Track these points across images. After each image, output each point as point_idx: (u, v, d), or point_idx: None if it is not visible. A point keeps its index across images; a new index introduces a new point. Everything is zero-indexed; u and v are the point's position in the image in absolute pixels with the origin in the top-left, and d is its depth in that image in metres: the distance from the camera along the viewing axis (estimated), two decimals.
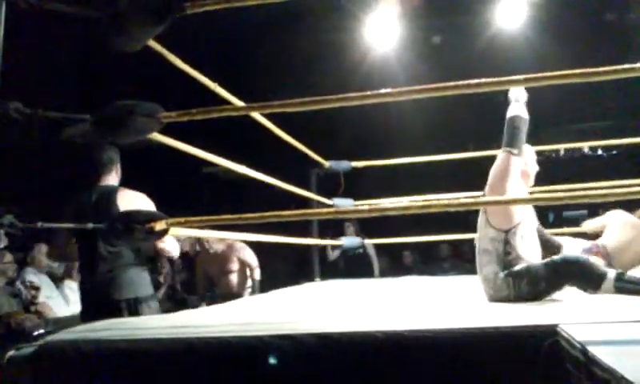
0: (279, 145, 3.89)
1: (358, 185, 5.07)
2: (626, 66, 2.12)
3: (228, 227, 2.80)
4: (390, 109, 6.21)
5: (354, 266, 6.16)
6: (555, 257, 2.59)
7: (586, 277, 2.47)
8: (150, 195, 3.20)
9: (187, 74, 2.78)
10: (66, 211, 3.15)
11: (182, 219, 2.06)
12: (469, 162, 4.48)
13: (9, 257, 4.83)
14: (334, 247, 6.13)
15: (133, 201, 3.08)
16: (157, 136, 2.40)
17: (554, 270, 2.49)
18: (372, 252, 6.48)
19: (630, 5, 5.99)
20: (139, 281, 3.13)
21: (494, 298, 2.57)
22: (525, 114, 2.76)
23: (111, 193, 3.12)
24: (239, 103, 3.04)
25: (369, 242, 5.82)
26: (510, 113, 2.78)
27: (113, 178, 3.24)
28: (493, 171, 2.74)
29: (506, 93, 2.82)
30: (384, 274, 6.94)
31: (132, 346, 1.80)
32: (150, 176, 3.43)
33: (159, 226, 2.00)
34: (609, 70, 2.15)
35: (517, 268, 2.54)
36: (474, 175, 3.25)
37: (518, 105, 2.78)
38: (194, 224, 2.20)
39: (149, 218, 2.07)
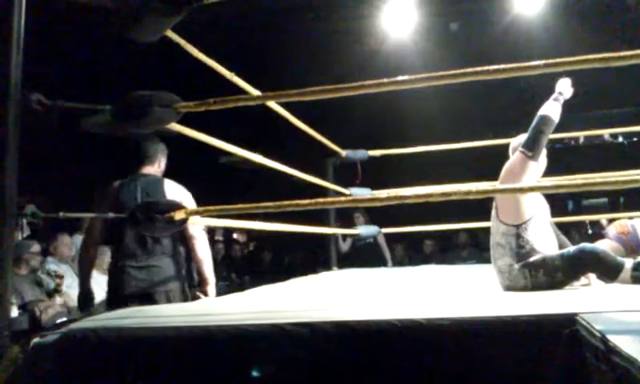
0: (296, 134, 3.90)
1: (376, 174, 5.05)
2: None
3: (245, 216, 2.81)
4: (409, 96, 6.17)
5: (364, 256, 6.09)
6: (572, 247, 2.57)
7: (602, 267, 2.46)
8: None
9: (204, 63, 2.79)
10: (101, 197, 3.15)
11: (201, 208, 2.07)
12: (487, 149, 4.44)
13: (36, 247, 4.89)
14: (344, 238, 6.08)
15: (179, 193, 3.11)
16: (174, 126, 2.42)
17: (571, 260, 2.48)
18: (382, 242, 6.40)
19: None
20: (176, 270, 3.14)
21: (510, 289, 2.56)
22: (556, 116, 2.65)
23: (158, 183, 3.14)
24: (256, 92, 3.04)
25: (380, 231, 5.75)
26: (543, 109, 2.65)
27: (155, 170, 3.25)
28: (506, 170, 2.69)
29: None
30: (402, 263, 6.93)
31: (153, 333, 1.83)
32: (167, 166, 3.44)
33: (178, 215, 2.01)
34: (630, 55, 2.11)
35: (532, 259, 2.53)
36: (492, 163, 3.22)
37: (556, 103, 2.67)
38: (213, 213, 2.21)
39: (168, 207, 2.09)
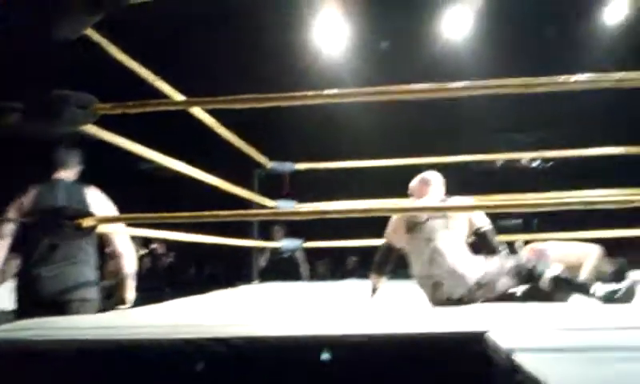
0: (226, 144, 3.83)
1: (309, 187, 5.03)
2: (562, 78, 2.19)
3: (166, 226, 2.72)
4: (343, 111, 6.23)
5: (281, 270, 5.95)
6: (510, 259, 2.84)
7: (526, 275, 2.70)
8: None
9: (127, 67, 2.69)
10: (17, 203, 2.88)
11: (112, 216, 1.98)
12: (411, 167, 4.51)
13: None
14: (261, 253, 5.93)
15: (101, 202, 2.89)
16: (91, 128, 2.31)
17: (516, 269, 2.73)
18: (300, 256, 6.29)
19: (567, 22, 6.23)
20: (92, 279, 2.96)
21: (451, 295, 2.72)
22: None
23: (80, 189, 2.94)
24: (180, 97, 2.97)
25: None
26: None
27: (71, 176, 3.06)
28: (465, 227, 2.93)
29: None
30: (324, 278, 6.93)
31: (53, 347, 1.72)
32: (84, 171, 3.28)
33: (87, 222, 1.91)
34: (548, 82, 2.22)
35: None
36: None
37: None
38: (125, 221, 2.12)
39: (77, 213, 1.98)
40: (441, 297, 2.74)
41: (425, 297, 2.84)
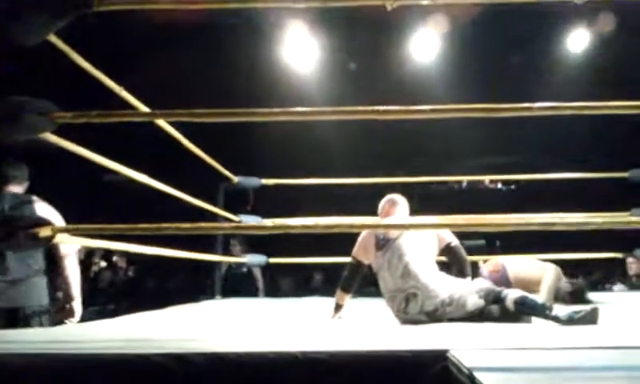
0: (191, 157, 3.78)
1: (274, 204, 5.00)
2: (525, 104, 2.23)
3: (123, 238, 2.64)
4: (307, 129, 6.25)
5: (236, 285, 5.87)
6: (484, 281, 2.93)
7: (493, 296, 2.70)
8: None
9: (93, 77, 2.64)
10: None
11: (70, 226, 1.92)
12: (376, 186, 4.54)
13: None
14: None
15: (48, 213, 2.90)
16: (50, 137, 2.24)
17: (485, 291, 2.73)
18: (257, 272, 6.22)
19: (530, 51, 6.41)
20: (45, 289, 2.99)
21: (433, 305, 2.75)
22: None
23: (26, 201, 2.97)
24: (145, 109, 2.92)
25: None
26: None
27: (20, 190, 3.11)
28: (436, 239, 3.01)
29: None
30: (289, 294, 6.88)
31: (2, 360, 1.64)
32: (46, 182, 3.21)
33: (44, 232, 1.85)
34: (511, 108, 2.26)
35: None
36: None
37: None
38: (84, 232, 2.06)
39: (33, 223, 1.92)
40: (414, 308, 2.75)
41: (392, 313, 2.83)
